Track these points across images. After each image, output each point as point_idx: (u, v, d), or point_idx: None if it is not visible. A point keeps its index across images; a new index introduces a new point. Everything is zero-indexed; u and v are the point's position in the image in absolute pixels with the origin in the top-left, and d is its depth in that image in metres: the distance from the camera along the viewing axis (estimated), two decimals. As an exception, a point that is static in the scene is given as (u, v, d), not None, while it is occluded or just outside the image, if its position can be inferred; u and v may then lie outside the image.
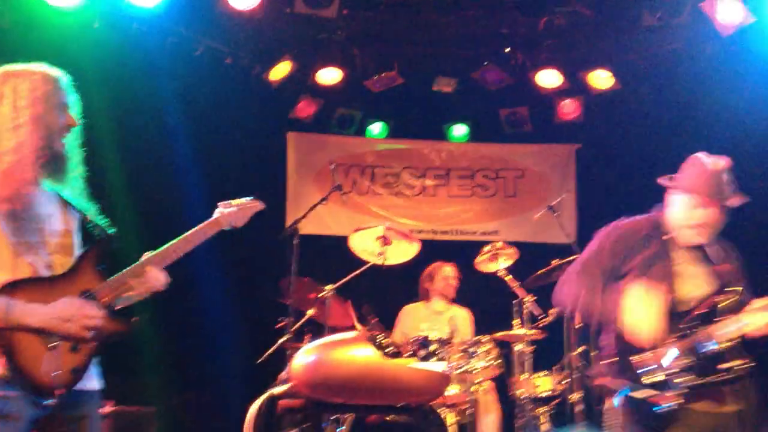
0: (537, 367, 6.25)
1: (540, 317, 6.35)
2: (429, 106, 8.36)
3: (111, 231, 2.93)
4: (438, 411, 5.25)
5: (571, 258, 6.05)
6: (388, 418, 4.97)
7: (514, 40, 7.57)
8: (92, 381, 2.81)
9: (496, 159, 8.71)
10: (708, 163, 3.45)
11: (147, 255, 2.96)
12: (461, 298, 6.93)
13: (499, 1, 7.18)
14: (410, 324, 6.67)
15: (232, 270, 7.43)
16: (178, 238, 3.03)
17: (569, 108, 8.14)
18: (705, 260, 3.47)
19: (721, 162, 3.47)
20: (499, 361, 5.85)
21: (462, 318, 6.66)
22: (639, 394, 3.20)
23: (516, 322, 6.24)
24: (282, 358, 5.86)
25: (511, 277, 6.42)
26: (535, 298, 6.32)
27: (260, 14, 6.70)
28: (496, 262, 6.49)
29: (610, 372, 3.35)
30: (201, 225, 3.13)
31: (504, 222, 8.57)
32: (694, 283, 3.41)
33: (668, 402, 3.16)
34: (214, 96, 7.56)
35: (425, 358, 5.63)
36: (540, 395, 6.16)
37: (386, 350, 5.56)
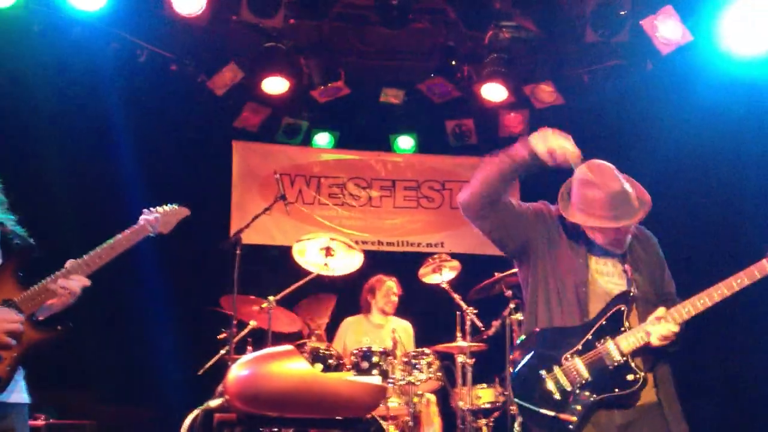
0: (478, 379, 6.29)
1: (482, 329, 6.40)
2: (375, 117, 8.37)
3: (31, 240, 2.88)
4: (380, 423, 5.26)
5: (514, 270, 6.11)
6: None
7: (460, 54, 7.63)
8: (18, 394, 2.74)
9: (442, 171, 8.76)
10: (596, 187, 3.25)
11: (70, 262, 2.92)
12: (404, 309, 6.94)
13: (446, 15, 7.23)
14: (352, 337, 6.65)
15: (174, 279, 7.32)
16: (103, 245, 3.00)
17: (514, 121, 8.23)
18: (620, 258, 3.37)
19: (609, 178, 3.28)
20: (441, 373, 5.88)
21: (403, 330, 6.67)
22: (544, 412, 3.18)
23: (458, 334, 6.27)
24: (224, 370, 5.79)
25: (452, 289, 6.46)
26: (477, 310, 6.37)
27: (205, 21, 6.62)
28: (440, 274, 6.53)
29: (515, 394, 3.32)
30: (124, 232, 3.10)
31: (449, 234, 8.61)
32: (607, 282, 3.33)
33: (568, 420, 3.14)
34: (159, 103, 7.47)
35: (367, 370, 5.63)
36: (481, 407, 6.21)
37: (329, 362, 5.56)
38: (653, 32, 6.55)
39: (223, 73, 7.40)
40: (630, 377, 3.15)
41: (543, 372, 3.24)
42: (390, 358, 5.69)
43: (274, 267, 7.32)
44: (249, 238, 6.78)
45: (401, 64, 7.85)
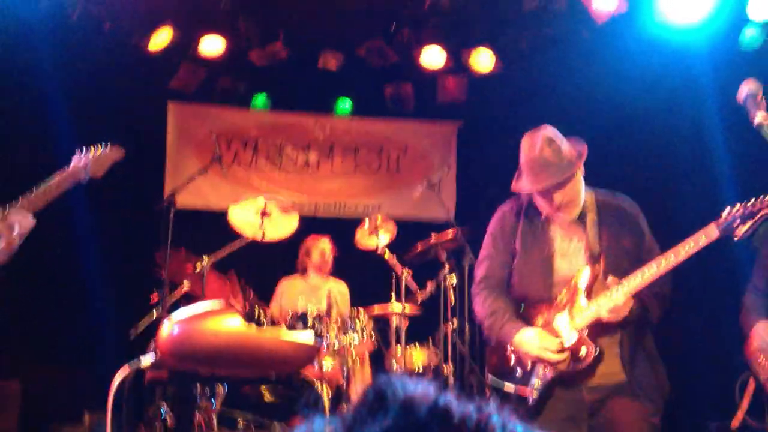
0: (412, 341, 6.39)
1: (417, 292, 6.48)
2: (313, 80, 8.30)
3: None
4: (314, 383, 5.31)
5: (449, 232, 6.20)
6: (262, 389, 4.99)
7: (399, 18, 7.61)
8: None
9: (379, 135, 8.77)
10: (523, 152, 3.40)
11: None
12: (340, 271, 6.98)
13: (387, -22, 7.21)
14: (288, 298, 6.67)
15: (106, 240, 7.21)
16: (34, 189, 2.96)
17: (453, 86, 8.27)
18: (584, 233, 3.41)
19: (533, 143, 3.38)
20: (375, 335, 5.95)
21: (339, 292, 6.71)
22: (506, 389, 3.28)
23: (393, 296, 6.34)
24: (155, 332, 5.76)
25: (389, 252, 6.50)
26: (411, 272, 6.44)
27: (140, -22, 6.48)
28: (376, 237, 6.56)
29: (489, 367, 3.45)
30: (55, 175, 3.06)
31: (386, 197, 8.65)
32: (570, 259, 3.38)
33: (528, 395, 3.21)
34: (92, 62, 7.28)
35: (302, 331, 5.67)
36: (414, 368, 6.32)
37: (263, 324, 5.57)
38: (589, 2, 6.64)
39: (159, 33, 7.24)
40: (583, 352, 3.20)
41: (510, 348, 3.36)
42: (325, 320, 5.72)
43: (209, 229, 7.26)
44: (184, 200, 6.69)
45: (340, 27, 7.79)
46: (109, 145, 3.30)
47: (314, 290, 6.74)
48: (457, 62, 7.84)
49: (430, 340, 6.47)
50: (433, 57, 7.63)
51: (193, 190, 7.03)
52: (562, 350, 3.21)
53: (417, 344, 6.39)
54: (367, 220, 6.59)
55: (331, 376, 5.72)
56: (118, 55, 7.38)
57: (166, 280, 5.70)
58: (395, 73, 8.20)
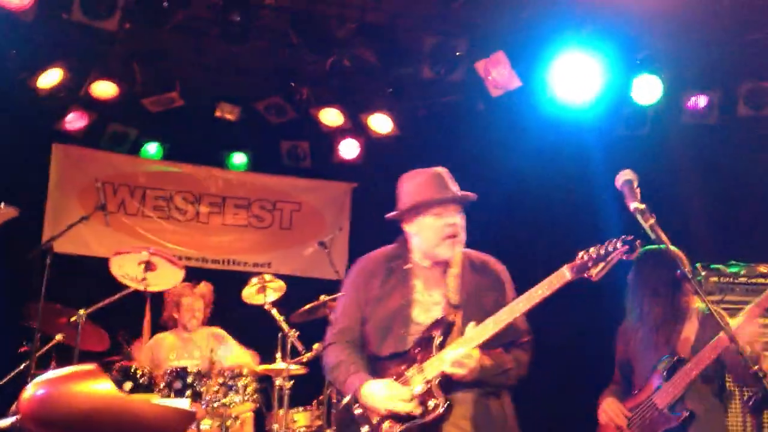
0: (296, 403, 6.25)
1: (302, 352, 6.37)
2: (209, 132, 8.18)
3: None
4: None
5: (338, 294, 6.13)
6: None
7: (300, 76, 7.63)
8: None
9: (274, 190, 8.69)
10: (420, 172, 3.44)
11: None
12: (225, 329, 6.78)
13: (288, 38, 7.20)
14: (162, 355, 6.40)
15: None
16: None
17: (349, 147, 8.32)
18: (445, 286, 3.36)
19: (428, 170, 3.45)
20: (257, 395, 5.78)
21: (215, 339, 6.46)
22: None
23: (278, 355, 6.21)
24: (22, 387, 5.42)
25: (276, 310, 6.39)
26: (298, 333, 6.34)
27: (32, 16, 6.24)
28: (264, 295, 6.44)
29: (335, 421, 3.37)
30: None
31: (277, 254, 8.54)
32: (430, 311, 3.30)
33: None
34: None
35: (181, 390, 5.45)
36: (297, 431, 6.16)
37: (140, 381, 5.33)
38: (486, 75, 6.84)
39: (48, 72, 6.98)
40: (431, 403, 3.10)
41: (356, 403, 3.24)
42: (205, 379, 5.52)
43: (89, 279, 6.95)
44: (63, 247, 6.44)
45: (240, 81, 7.74)
46: (2, 204, 3.12)
47: (186, 344, 6.48)
48: (355, 123, 7.90)
49: (315, 404, 6.34)
50: (331, 117, 7.66)
51: (73, 236, 6.74)
52: (411, 400, 3.13)
53: (300, 407, 6.26)
54: (255, 279, 6.46)
55: (210, 437, 5.52)
56: (4, 91, 7.07)
57: (38, 331, 5.42)
58: (292, 129, 8.18)
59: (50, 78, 7.01)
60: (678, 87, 7.05)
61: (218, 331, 6.65)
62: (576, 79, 6.74)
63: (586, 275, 3.08)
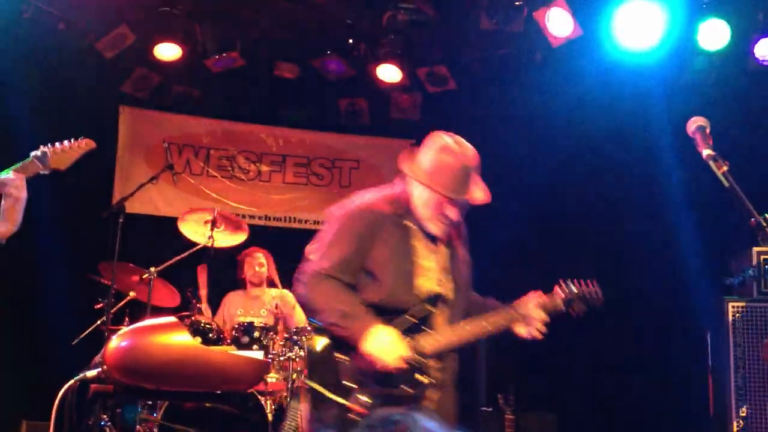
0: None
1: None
2: (268, 91, 8.25)
3: None
4: (257, 398, 5.24)
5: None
6: (207, 405, 4.91)
7: (357, 32, 7.61)
8: None
9: (332, 148, 8.74)
10: (454, 155, 3.23)
11: None
12: (290, 286, 6.91)
13: (345, -7, 7.20)
14: (230, 311, 6.59)
15: (52, 245, 7.02)
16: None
17: (406, 103, 8.30)
18: (438, 252, 3.32)
19: (468, 153, 3.26)
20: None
21: (282, 301, 6.61)
22: (334, 398, 3.08)
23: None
24: (99, 341, 5.64)
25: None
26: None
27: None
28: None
29: (307, 374, 3.22)
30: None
31: (338, 212, 8.59)
32: (428, 278, 3.25)
33: (355, 410, 3.05)
34: (45, 61, 7.15)
35: (248, 345, 5.59)
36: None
37: (209, 335, 5.49)
38: (545, 24, 6.72)
39: (114, 35, 7.12)
40: (419, 377, 3.13)
41: (341, 355, 3.15)
42: (271, 333, 5.67)
43: (158, 238, 7.14)
44: (133, 207, 6.61)
45: (298, 39, 7.76)
46: (82, 138, 3.24)
47: (253, 301, 6.67)
48: (412, 79, 7.87)
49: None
50: (388, 73, 7.64)
51: (142, 196, 6.93)
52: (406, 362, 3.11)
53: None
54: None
55: (275, 389, 5.66)
56: (72, 55, 7.24)
57: (111, 288, 5.61)
58: (350, 87, 8.19)
59: (115, 40, 7.15)
60: (746, 32, 6.82)
61: (286, 293, 6.79)
62: (639, 25, 6.56)
63: (569, 311, 3.25)
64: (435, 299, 3.23)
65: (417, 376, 3.13)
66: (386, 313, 3.18)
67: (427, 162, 3.24)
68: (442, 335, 3.18)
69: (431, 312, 3.20)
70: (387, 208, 3.28)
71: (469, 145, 3.30)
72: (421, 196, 3.26)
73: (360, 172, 8.73)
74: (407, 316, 3.18)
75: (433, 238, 3.30)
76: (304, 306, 3.37)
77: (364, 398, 3.08)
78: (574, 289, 3.24)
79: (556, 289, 3.27)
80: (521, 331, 3.27)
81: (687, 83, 7.13)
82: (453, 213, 3.24)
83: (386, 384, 3.11)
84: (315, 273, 3.19)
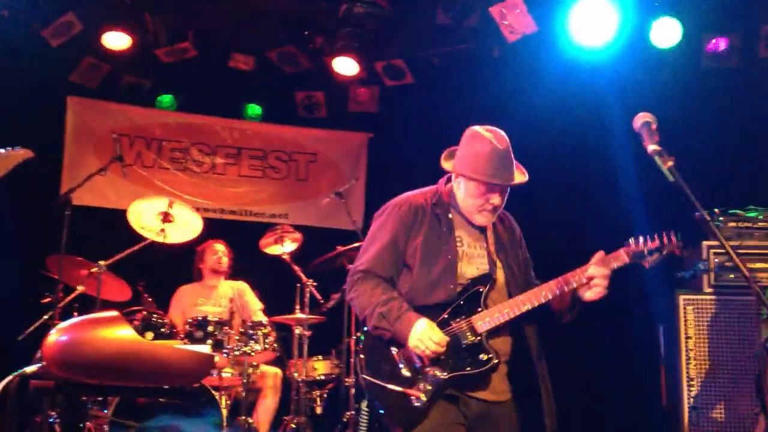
0: (315, 352, 6.34)
1: (321, 302, 6.43)
2: (223, 83, 8.13)
3: None
4: (211, 393, 5.17)
5: (356, 245, 6.16)
6: (161, 400, 4.82)
7: (313, 24, 7.54)
8: None
9: (289, 141, 8.65)
10: (485, 141, 3.33)
11: None
12: (244, 280, 6.84)
13: (300, -16, 7.13)
14: (188, 302, 6.50)
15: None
16: None
17: (364, 97, 8.26)
18: (485, 240, 3.42)
19: (499, 138, 3.37)
20: (277, 344, 5.85)
21: (238, 293, 6.55)
22: (392, 387, 3.17)
23: (297, 306, 6.27)
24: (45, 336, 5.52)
25: (293, 261, 6.44)
26: (316, 283, 6.39)
27: (43, -34, 6.20)
28: (281, 245, 6.48)
29: (363, 369, 3.28)
30: None
31: (294, 205, 8.54)
32: (475, 265, 3.35)
33: (417, 396, 3.12)
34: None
35: (202, 339, 5.52)
36: (316, 378, 6.26)
37: (161, 330, 5.40)
38: (501, 20, 6.73)
39: (60, 23, 6.94)
40: (483, 356, 3.19)
41: (394, 348, 3.25)
42: (226, 328, 5.60)
43: (107, 230, 7.00)
44: (81, 198, 6.49)
45: (253, 31, 7.65)
46: (18, 147, 3.12)
47: (211, 291, 6.60)
48: (369, 72, 7.82)
49: (333, 353, 6.42)
50: (345, 66, 7.59)
51: (91, 188, 6.79)
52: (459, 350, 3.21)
53: (320, 356, 6.35)
54: (272, 229, 6.51)
55: (230, 384, 5.60)
56: (17, 44, 7.05)
57: (59, 282, 5.49)
58: (307, 79, 8.12)
59: (62, 28, 6.96)
60: (698, 30, 6.91)
61: (240, 284, 6.73)
62: (593, 22, 6.61)
63: (641, 262, 3.26)
64: (483, 281, 3.30)
65: (480, 356, 3.20)
66: (429, 301, 3.27)
67: (461, 153, 3.38)
68: (497, 310, 3.24)
69: (480, 293, 3.27)
70: (425, 201, 3.42)
71: (499, 130, 3.42)
72: (463, 188, 3.38)
73: (317, 165, 8.66)
74: (457, 302, 3.26)
75: (479, 228, 3.41)
76: (356, 313, 3.46)
77: (424, 384, 3.15)
78: (642, 245, 3.26)
79: (625, 246, 3.30)
80: (586, 294, 3.29)
81: (640, 80, 7.19)
82: (496, 199, 3.34)
83: (447, 368, 3.18)
84: (353, 273, 3.39)
